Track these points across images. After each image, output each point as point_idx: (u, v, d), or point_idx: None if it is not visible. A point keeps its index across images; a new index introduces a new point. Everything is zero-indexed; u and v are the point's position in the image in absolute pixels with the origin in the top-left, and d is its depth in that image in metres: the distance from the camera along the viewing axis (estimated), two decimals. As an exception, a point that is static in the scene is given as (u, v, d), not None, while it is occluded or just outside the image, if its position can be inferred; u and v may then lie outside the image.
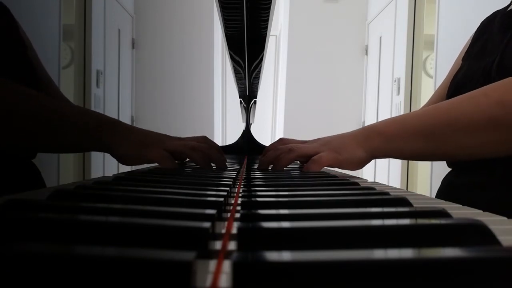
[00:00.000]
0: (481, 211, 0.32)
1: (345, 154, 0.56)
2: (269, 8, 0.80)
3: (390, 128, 0.54)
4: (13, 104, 0.51)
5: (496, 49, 0.67)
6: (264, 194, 0.37)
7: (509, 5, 0.73)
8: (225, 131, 3.50)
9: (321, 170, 0.62)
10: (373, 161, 0.60)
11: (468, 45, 0.80)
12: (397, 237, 0.21)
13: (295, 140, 0.78)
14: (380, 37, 3.17)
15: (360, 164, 0.57)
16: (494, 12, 0.77)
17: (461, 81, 0.74)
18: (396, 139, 0.54)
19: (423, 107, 0.91)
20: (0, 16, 0.68)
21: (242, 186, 0.47)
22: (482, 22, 0.79)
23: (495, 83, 0.51)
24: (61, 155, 1.92)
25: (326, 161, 0.57)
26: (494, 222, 0.27)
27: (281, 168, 0.62)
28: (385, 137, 0.54)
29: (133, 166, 0.65)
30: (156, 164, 0.62)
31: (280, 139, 0.80)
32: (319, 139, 0.64)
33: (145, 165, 0.68)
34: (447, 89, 0.78)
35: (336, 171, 0.77)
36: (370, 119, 3.34)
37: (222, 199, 0.30)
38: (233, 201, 0.36)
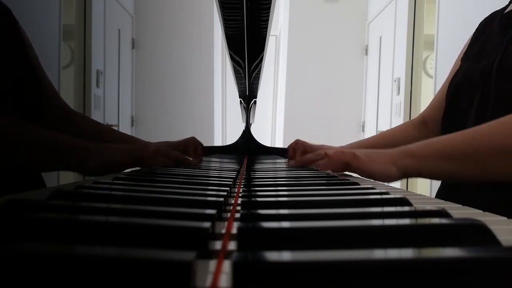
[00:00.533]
0: (481, 211, 0.32)
1: (378, 165, 0.59)
2: (269, 8, 0.80)
3: (421, 150, 0.58)
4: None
5: (496, 50, 0.67)
6: (264, 194, 0.37)
7: (507, 6, 0.73)
8: (225, 131, 3.50)
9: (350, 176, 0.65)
10: None
11: (467, 46, 0.80)
12: (397, 237, 0.21)
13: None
14: (380, 37, 3.17)
15: (389, 178, 0.59)
16: (492, 13, 0.77)
17: (460, 82, 0.74)
18: (427, 160, 0.57)
19: (425, 110, 0.91)
20: (1, 16, 0.68)
21: (242, 186, 0.47)
22: (481, 23, 0.79)
23: None
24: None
25: (357, 166, 0.59)
26: (494, 222, 0.27)
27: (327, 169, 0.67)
28: (416, 157, 0.58)
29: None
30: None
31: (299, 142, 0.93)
32: (360, 150, 0.66)
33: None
34: (447, 89, 0.78)
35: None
36: (370, 119, 3.34)
37: (222, 199, 0.30)
38: (233, 201, 0.36)
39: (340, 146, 0.90)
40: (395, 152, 0.59)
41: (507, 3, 0.73)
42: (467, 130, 0.58)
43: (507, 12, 0.72)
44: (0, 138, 0.55)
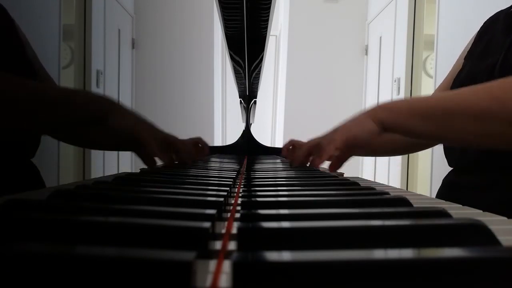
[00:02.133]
0: (481, 211, 0.32)
1: (356, 128, 0.61)
2: (269, 8, 0.80)
3: (398, 105, 0.60)
4: (23, 90, 0.53)
5: (500, 49, 0.67)
6: (264, 194, 0.37)
7: (511, 7, 0.73)
8: (225, 131, 3.49)
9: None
10: (373, 161, 0.62)
11: (470, 45, 0.80)
12: (397, 237, 0.21)
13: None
14: (380, 37, 3.17)
15: (371, 133, 0.60)
16: (497, 12, 0.77)
17: (464, 80, 0.74)
18: (401, 115, 0.59)
19: None
20: None
21: (242, 186, 0.47)
22: (485, 22, 0.79)
23: (500, 79, 0.54)
24: (62, 154, 1.92)
25: (339, 141, 0.61)
26: (494, 222, 0.27)
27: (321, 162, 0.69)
28: (392, 112, 0.59)
29: (133, 166, 0.67)
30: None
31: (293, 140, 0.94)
32: (336, 126, 0.68)
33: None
34: (450, 88, 0.78)
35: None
36: (370, 119, 3.33)
37: (222, 199, 0.30)
38: (233, 201, 0.36)
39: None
40: (370, 108, 0.62)
41: (510, 3, 0.73)
42: (446, 92, 0.60)
43: (507, 12, 0.72)
44: (34, 96, 0.53)
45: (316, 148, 0.70)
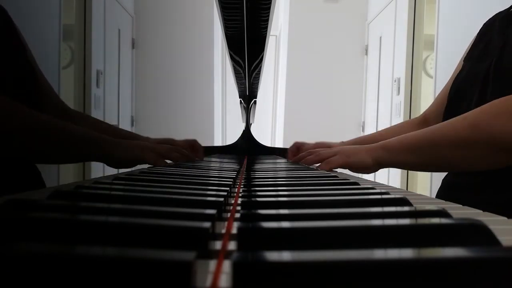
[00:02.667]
0: (481, 211, 0.32)
1: (354, 158, 0.69)
2: (269, 8, 0.80)
3: (392, 144, 0.68)
4: (28, 122, 0.57)
5: (495, 51, 0.67)
6: (264, 194, 0.37)
7: (510, 7, 0.73)
8: (225, 131, 3.49)
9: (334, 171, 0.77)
10: None
11: (470, 47, 0.81)
12: (397, 237, 0.21)
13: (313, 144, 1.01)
14: (380, 37, 3.17)
15: (366, 168, 0.69)
16: (496, 14, 0.77)
17: (462, 82, 0.75)
18: (395, 152, 0.67)
19: (428, 108, 0.92)
20: None
21: (242, 186, 0.47)
22: (485, 23, 0.79)
23: (477, 108, 0.60)
24: (61, 155, 1.92)
25: (336, 163, 0.71)
26: (494, 222, 0.27)
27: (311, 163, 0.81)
28: (388, 150, 0.68)
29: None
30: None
31: (301, 143, 1.07)
32: (333, 143, 0.82)
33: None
34: (449, 90, 0.78)
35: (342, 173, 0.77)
36: (370, 119, 3.33)
37: (222, 199, 0.30)
38: (233, 201, 0.36)
39: (341, 141, 0.96)
40: (372, 146, 0.71)
41: (510, 4, 0.74)
42: (432, 126, 0.66)
43: (506, 13, 0.72)
44: (34, 131, 0.58)
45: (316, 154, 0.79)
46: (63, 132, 0.61)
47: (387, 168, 0.82)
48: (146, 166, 0.74)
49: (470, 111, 0.60)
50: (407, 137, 0.67)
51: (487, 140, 0.57)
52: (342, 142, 1.00)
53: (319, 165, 0.76)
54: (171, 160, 0.77)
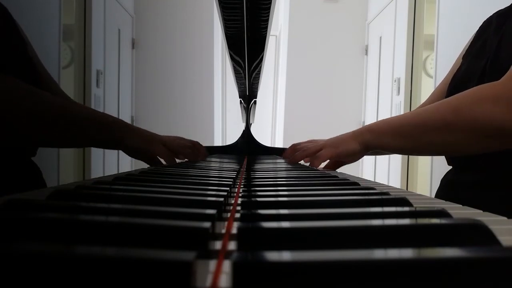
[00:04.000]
0: (481, 211, 0.32)
1: (342, 147, 0.69)
2: (269, 8, 0.80)
3: (379, 127, 0.68)
4: (35, 103, 0.56)
5: (492, 49, 0.68)
6: (264, 194, 0.37)
7: (509, 6, 0.73)
8: (225, 131, 3.49)
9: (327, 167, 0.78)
10: (373, 161, 0.69)
11: (469, 44, 0.81)
12: (397, 237, 0.21)
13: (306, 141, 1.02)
14: (380, 37, 3.17)
15: (355, 154, 0.70)
16: (495, 12, 0.78)
17: (460, 79, 0.75)
18: (383, 135, 0.67)
19: (424, 102, 0.92)
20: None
21: (242, 186, 0.47)
22: (484, 21, 0.80)
23: (460, 93, 0.59)
24: (62, 154, 1.92)
25: (325, 156, 0.72)
26: (494, 222, 0.27)
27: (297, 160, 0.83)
28: (375, 133, 0.67)
29: (133, 166, 0.72)
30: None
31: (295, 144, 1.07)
32: (323, 139, 0.80)
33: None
34: (447, 86, 0.79)
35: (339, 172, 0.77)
36: (370, 119, 3.33)
37: (222, 199, 0.30)
38: (233, 201, 0.36)
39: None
40: (358, 130, 0.70)
41: (509, 3, 0.74)
42: (419, 108, 0.66)
43: (503, 12, 0.73)
44: (52, 113, 0.57)
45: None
46: (75, 113, 0.61)
47: (387, 168, 0.82)
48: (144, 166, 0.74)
49: (454, 95, 0.60)
50: (393, 119, 0.67)
51: (469, 125, 0.56)
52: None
53: (309, 163, 0.76)
54: (184, 156, 0.78)
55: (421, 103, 2.50)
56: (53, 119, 0.57)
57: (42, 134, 0.58)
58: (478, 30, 0.80)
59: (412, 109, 2.59)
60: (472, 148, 0.59)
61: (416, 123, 0.63)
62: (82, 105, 0.66)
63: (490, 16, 0.79)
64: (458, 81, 0.76)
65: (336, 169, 0.81)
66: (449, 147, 0.61)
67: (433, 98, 0.88)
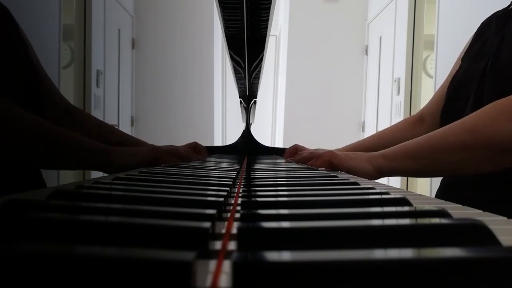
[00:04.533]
0: (481, 211, 0.32)
1: (354, 163, 0.69)
2: (269, 8, 0.80)
3: (391, 152, 0.68)
4: (39, 131, 0.59)
5: (491, 50, 0.68)
6: (264, 194, 0.37)
7: (508, 6, 0.73)
8: (225, 131, 3.49)
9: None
10: None
11: (467, 46, 0.81)
12: (397, 237, 0.21)
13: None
14: (380, 37, 3.17)
15: (366, 174, 0.68)
16: (492, 14, 0.78)
17: (459, 81, 0.75)
18: (396, 160, 0.67)
19: (425, 106, 0.92)
20: (0, 17, 0.69)
21: (242, 186, 0.47)
22: (482, 22, 0.80)
23: (475, 112, 0.60)
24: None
25: (339, 158, 0.70)
26: (494, 222, 0.27)
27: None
28: (388, 158, 0.67)
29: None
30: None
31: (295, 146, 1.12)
32: (344, 152, 0.78)
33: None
34: (447, 88, 0.79)
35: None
36: (370, 119, 3.33)
37: (222, 199, 0.30)
38: (233, 201, 0.36)
39: (336, 149, 0.96)
40: (373, 154, 0.70)
41: (508, 3, 0.74)
42: (431, 132, 0.66)
43: (503, 13, 0.73)
44: (32, 136, 0.59)
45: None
46: (54, 138, 0.61)
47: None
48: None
49: (468, 115, 0.60)
50: (406, 145, 0.67)
51: (487, 142, 0.57)
52: (338, 149, 1.00)
53: (318, 159, 0.74)
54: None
55: (421, 103, 2.49)
56: (34, 142, 0.59)
57: (23, 155, 0.59)
58: (476, 32, 0.80)
59: (412, 109, 2.60)
60: (491, 165, 0.59)
61: (430, 145, 0.63)
62: (68, 131, 0.67)
63: (488, 17, 0.79)
64: (457, 83, 0.76)
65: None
66: (467, 167, 0.61)
67: (434, 101, 0.88)
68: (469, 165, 0.60)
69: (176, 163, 0.75)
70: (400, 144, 0.68)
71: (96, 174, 2.47)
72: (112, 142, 0.77)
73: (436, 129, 0.66)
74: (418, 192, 0.52)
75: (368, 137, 1.05)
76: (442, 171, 0.68)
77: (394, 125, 1.00)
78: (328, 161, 0.70)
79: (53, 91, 0.82)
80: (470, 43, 0.80)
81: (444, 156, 0.61)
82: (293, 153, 1.12)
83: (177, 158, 0.78)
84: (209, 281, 0.16)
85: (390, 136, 0.94)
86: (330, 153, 0.72)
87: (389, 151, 0.68)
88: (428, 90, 2.62)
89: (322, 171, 0.67)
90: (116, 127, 2.79)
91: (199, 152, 1.01)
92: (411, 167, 0.65)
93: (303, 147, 1.14)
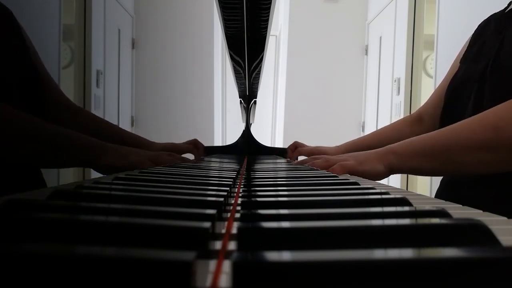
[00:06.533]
0: (481, 211, 0.32)
1: (366, 166, 0.64)
2: (269, 8, 0.80)
3: (403, 148, 0.64)
4: (25, 128, 0.57)
5: (491, 52, 0.67)
6: (264, 194, 0.37)
7: (505, 8, 0.74)
8: (225, 131, 3.49)
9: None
10: None
11: (465, 48, 0.81)
12: (397, 237, 0.21)
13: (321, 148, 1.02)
14: (380, 37, 3.17)
15: (378, 176, 0.65)
16: (491, 15, 0.78)
17: (458, 83, 0.75)
18: (408, 158, 0.63)
19: (422, 106, 0.92)
20: (3, 19, 0.69)
21: (242, 186, 0.47)
22: (480, 24, 0.80)
23: (491, 108, 0.56)
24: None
25: (350, 165, 0.65)
26: (494, 222, 0.27)
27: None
28: (399, 156, 0.63)
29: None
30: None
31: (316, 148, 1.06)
32: (350, 153, 0.74)
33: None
34: (445, 90, 0.79)
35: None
36: (370, 119, 3.34)
37: (222, 199, 0.30)
38: (233, 201, 0.36)
39: (336, 146, 0.95)
40: (381, 151, 0.65)
41: (506, 4, 0.74)
42: (445, 128, 0.62)
43: (502, 14, 0.73)
44: (21, 134, 0.57)
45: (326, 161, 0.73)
46: (41, 135, 0.60)
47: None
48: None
49: (484, 112, 0.57)
50: (418, 141, 0.63)
51: (511, 141, 0.53)
52: (337, 146, 1.00)
53: (331, 168, 0.69)
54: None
55: (421, 103, 2.50)
56: (19, 139, 0.58)
57: (9, 153, 0.58)
58: (473, 34, 0.80)
59: (412, 109, 2.60)
60: (509, 166, 0.56)
61: (446, 143, 0.59)
62: (61, 128, 0.65)
63: (486, 19, 0.79)
64: (457, 84, 0.76)
65: None
66: (484, 167, 0.57)
67: (432, 102, 0.89)
68: (486, 165, 0.57)
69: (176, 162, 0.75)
70: (408, 140, 0.64)
71: (96, 174, 2.47)
72: (116, 140, 0.75)
73: (436, 130, 0.65)
74: (418, 192, 0.52)
75: (367, 135, 1.05)
76: (456, 171, 0.64)
77: (392, 124, 1.00)
78: (341, 171, 0.66)
79: (54, 91, 0.82)
80: (468, 45, 0.80)
81: (460, 155, 0.57)
82: (293, 150, 1.13)
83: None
84: (209, 281, 0.16)
85: (388, 135, 0.93)
86: (340, 160, 0.67)
87: (399, 148, 0.64)
88: (428, 90, 2.62)
89: (322, 171, 0.67)
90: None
91: (199, 150, 1.03)
92: (424, 166, 0.62)
93: (302, 143, 1.14)
